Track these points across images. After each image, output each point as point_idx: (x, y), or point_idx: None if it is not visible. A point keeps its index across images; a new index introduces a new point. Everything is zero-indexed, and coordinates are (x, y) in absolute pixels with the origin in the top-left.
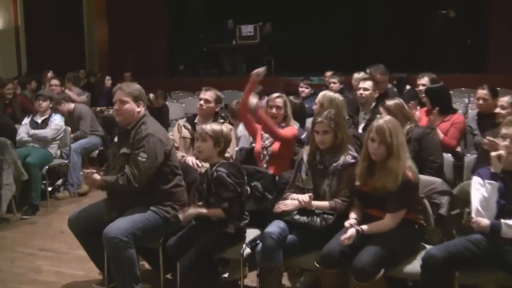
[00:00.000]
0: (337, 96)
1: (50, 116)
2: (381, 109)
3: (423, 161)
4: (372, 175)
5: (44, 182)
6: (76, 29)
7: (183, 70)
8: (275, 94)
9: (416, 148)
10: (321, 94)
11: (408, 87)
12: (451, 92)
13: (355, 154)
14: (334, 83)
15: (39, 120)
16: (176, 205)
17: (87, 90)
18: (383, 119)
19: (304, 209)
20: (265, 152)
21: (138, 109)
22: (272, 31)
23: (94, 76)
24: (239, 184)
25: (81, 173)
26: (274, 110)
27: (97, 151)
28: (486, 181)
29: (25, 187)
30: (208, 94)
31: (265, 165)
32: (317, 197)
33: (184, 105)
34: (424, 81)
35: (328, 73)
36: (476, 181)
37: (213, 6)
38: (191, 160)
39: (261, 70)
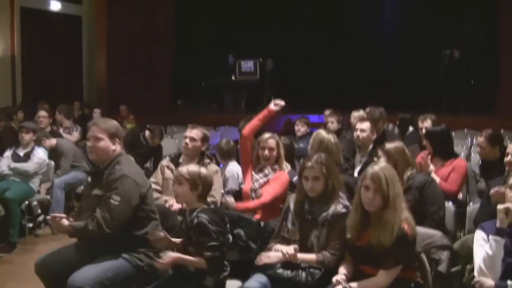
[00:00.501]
0: (329, 137)
1: (33, 149)
2: (379, 152)
3: (424, 212)
4: (365, 228)
5: (24, 217)
6: (74, 60)
7: (182, 104)
8: (267, 135)
9: (416, 197)
10: (313, 134)
11: (411, 128)
12: (453, 133)
13: (347, 203)
14: (332, 122)
15: (21, 153)
16: (150, 253)
17: (81, 123)
18: (379, 166)
19: (288, 262)
20: (253, 195)
21: (114, 147)
22: (274, 67)
23: (88, 109)
24: (221, 233)
25: (48, 217)
26: (266, 152)
27: (82, 187)
28: (491, 236)
29: (3, 223)
30: (194, 132)
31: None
32: (304, 249)
33: (177, 141)
34: (427, 123)
35: (327, 112)
36: (479, 236)
37: (216, 40)
38: (176, 205)
39: (282, 102)
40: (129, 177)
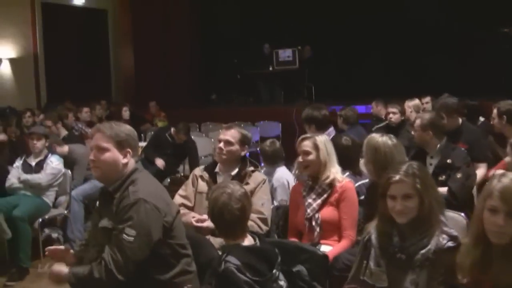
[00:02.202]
0: (385, 141)
1: (46, 157)
2: (508, 148)
3: None
4: (486, 269)
5: (37, 237)
6: (99, 56)
7: (216, 99)
8: (302, 136)
9: None
10: (365, 141)
11: (481, 119)
12: None
13: (454, 233)
14: (394, 113)
15: (33, 162)
16: None
17: None
18: (510, 177)
19: None
20: (313, 224)
21: (125, 160)
22: (312, 55)
23: (114, 107)
24: (260, 284)
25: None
26: (301, 158)
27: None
28: None
29: (13, 245)
30: (229, 134)
31: (316, 239)
32: None
33: (213, 139)
34: (493, 114)
35: (377, 102)
36: None
37: (248, 29)
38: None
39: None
40: (148, 202)
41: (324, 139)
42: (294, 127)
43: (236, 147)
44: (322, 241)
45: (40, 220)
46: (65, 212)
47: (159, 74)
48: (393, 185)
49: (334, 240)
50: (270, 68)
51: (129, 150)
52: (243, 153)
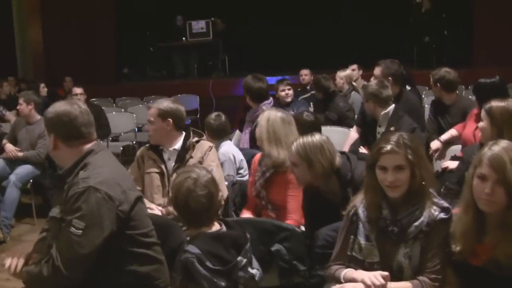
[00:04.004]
0: (321, 138)
1: None
2: (483, 113)
3: None
4: (481, 238)
5: None
6: (3, 30)
7: (128, 73)
8: None
9: None
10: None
11: (408, 87)
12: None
13: (445, 204)
14: (341, 78)
15: None
16: None
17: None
18: (501, 145)
19: None
20: (262, 202)
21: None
22: (225, 27)
23: (26, 84)
24: (222, 274)
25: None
26: None
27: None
28: None
29: None
30: (149, 114)
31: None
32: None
33: (134, 115)
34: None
35: (304, 71)
36: None
37: (161, 1)
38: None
39: None
40: (99, 191)
41: (265, 116)
42: (211, 100)
43: (158, 124)
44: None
45: None
46: None
47: (70, 49)
48: (384, 155)
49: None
50: (184, 39)
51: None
52: (168, 128)
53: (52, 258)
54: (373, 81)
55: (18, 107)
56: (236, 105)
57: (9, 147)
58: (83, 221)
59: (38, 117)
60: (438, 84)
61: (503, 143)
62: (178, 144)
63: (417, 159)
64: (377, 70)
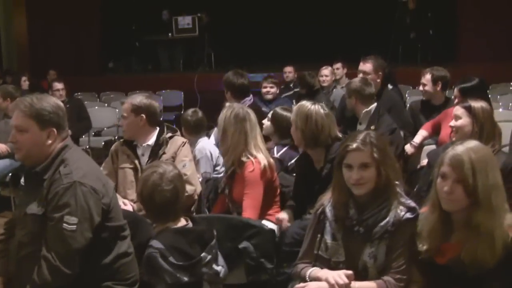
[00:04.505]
0: (318, 109)
1: None
2: (458, 111)
3: None
4: (446, 237)
5: None
6: None
7: (114, 67)
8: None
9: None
10: (295, 109)
11: (389, 86)
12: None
13: (412, 204)
14: (327, 76)
15: None
16: (119, 286)
17: None
18: (465, 145)
19: None
20: (227, 199)
21: (49, 141)
22: (211, 22)
23: (11, 76)
24: (182, 269)
25: None
26: None
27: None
28: None
29: None
30: (123, 109)
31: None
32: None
33: (117, 110)
34: (425, 80)
35: (288, 68)
36: None
37: None
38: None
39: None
40: (84, 185)
41: (224, 115)
42: (196, 96)
43: (131, 119)
44: None
45: None
46: None
47: (55, 41)
48: (349, 153)
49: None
50: (170, 35)
51: (53, 129)
52: (141, 123)
53: (47, 259)
54: (357, 78)
55: None
56: (221, 100)
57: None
58: (75, 216)
59: None
60: (440, 83)
61: (470, 143)
62: (151, 140)
63: (383, 157)
64: (367, 66)
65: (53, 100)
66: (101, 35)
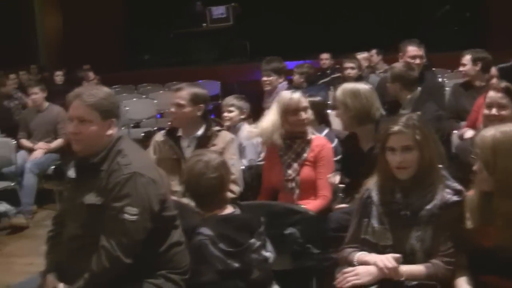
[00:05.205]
0: (363, 85)
1: None
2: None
3: None
4: (491, 219)
5: None
6: (26, 19)
7: (149, 59)
8: (292, 94)
9: None
10: (341, 88)
11: None
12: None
13: (458, 186)
14: (352, 68)
15: None
16: (173, 275)
17: None
18: (499, 127)
19: (388, 282)
20: (293, 184)
21: (109, 132)
22: (245, 12)
23: (47, 72)
24: (231, 255)
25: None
26: (302, 115)
27: (53, 167)
28: None
29: None
30: (178, 96)
31: (296, 200)
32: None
33: (155, 101)
34: (465, 60)
35: (324, 55)
36: None
37: None
38: None
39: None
40: (143, 176)
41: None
42: (232, 85)
43: (188, 108)
44: (299, 202)
45: None
46: (12, 184)
47: (89, 37)
48: (392, 136)
49: (311, 200)
50: (204, 25)
51: (113, 120)
52: (199, 113)
53: (106, 249)
54: (399, 63)
55: (33, 96)
56: (256, 90)
57: (39, 145)
58: (136, 207)
59: (47, 103)
60: (479, 63)
61: (504, 126)
62: (199, 131)
63: (425, 140)
64: (420, 50)
65: (110, 91)
66: (134, 29)
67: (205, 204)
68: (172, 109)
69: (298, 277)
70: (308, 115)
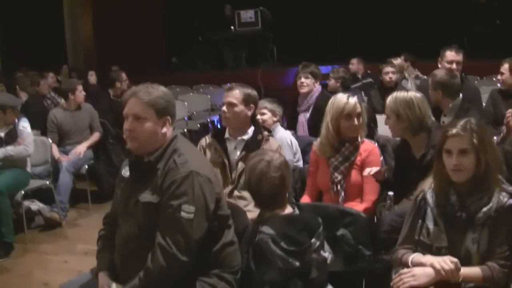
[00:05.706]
0: (416, 95)
1: (15, 125)
2: None
3: None
4: None
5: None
6: (54, 22)
7: (176, 63)
8: (348, 98)
9: None
10: (390, 98)
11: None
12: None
13: None
14: (393, 73)
15: (1, 133)
16: (226, 274)
17: None
18: None
19: (445, 283)
20: (338, 187)
21: (164, 130)
22: (272, 17)
23: (76, 72)
24: (293, 255)
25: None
26: (355, 121)
27: (86, 166)
28: None
29: None
30: (231, 95)
31: (341, 203)
32: None
33: (186, 103)
34: (503, 69)
35: (353, 60)
36: None
37: None
38: None
39: None
40: (200, 175)
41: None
42: (260, 90)
43: (240, 107)
44: (345, 205)
45: (23, 192)
46: (47, 183)
47: (120, 40)
48: (449, 139)
49: (356, 203)
50: (232, 28)
51: (168, 118)
52: (249, 113)
53: (162, 247)
54: (440, 70)
55: (77, 94)
56: (284, 95)
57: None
58: (193, 205)
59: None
60: None
61: None
62: (247, 135)
63: (482, 144)
64: (460, 56)
65: (166, 90)
66: (164, 32)
67: (267, 203)
68: (224, 108)
69: (349, 278)
70: (361, 121)
